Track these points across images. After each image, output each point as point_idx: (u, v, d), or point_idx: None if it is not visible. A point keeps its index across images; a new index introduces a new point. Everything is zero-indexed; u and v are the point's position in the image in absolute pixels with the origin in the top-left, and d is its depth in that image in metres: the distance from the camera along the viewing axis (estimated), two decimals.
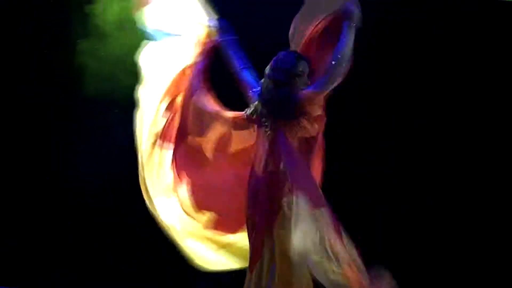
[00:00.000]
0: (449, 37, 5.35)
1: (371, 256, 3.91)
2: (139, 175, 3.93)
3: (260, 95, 3.79)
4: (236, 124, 3.82)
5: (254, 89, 3.85)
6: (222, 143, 3.83)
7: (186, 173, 3.89)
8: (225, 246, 3.90)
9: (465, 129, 5.35)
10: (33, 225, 5.65)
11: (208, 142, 3.83)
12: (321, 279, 3.57)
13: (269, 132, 3.72)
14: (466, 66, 5.32)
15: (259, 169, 3.68)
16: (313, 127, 3.69)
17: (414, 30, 5.35)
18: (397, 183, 5.36)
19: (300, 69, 3.74)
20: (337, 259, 3.56)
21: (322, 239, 3.55)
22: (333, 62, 3.66)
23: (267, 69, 3.80)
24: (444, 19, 5.35)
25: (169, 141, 3.89)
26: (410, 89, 5.36)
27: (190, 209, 3.87)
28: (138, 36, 5.18)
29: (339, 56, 3.65)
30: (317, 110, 3.70)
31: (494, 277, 5.30)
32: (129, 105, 5.13)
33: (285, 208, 3.61)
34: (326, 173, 3.85)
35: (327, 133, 3.82)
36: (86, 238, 5.55)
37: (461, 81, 5.34)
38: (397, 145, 5.39)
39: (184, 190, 3.88)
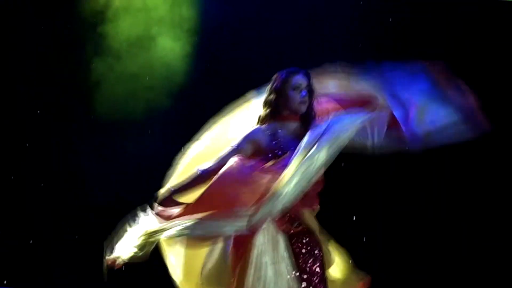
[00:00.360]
0: (449, 37, 5.38)
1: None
2: None
3: None
4: None
5: None
6: None
7: None
8: None
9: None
10: (33, 226, 5.65)
11: None
12: None
13: None
14: (465, 66, 5.17)
15: None
16: None
17: (413, 30, 5.36)
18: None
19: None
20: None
21: None
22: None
23: None
24: (444, 19, 5.37)
25: None
26: None
27: None
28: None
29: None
30: None
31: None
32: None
33: None
34: None
35: None
36: (86, 238, 5.52)
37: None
38: None
39: None
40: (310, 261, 3.39)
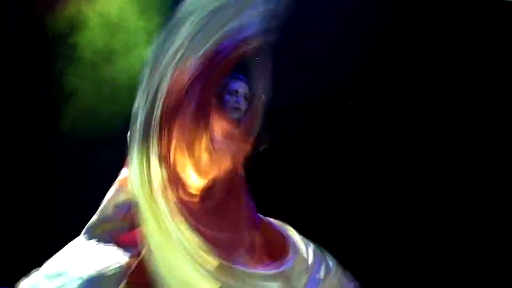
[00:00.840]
0: (449, 37, 5.32)
1: None
2: None
3: None
4: None
5: None
6: None
7: None
8: None
9: (464, 131, 5.36)
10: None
11: None
12: None
13: None
14: (465, 66, 5.31)
15: None
16: None
17: (413, 30, 5.32)
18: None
19: None
20: None
21: None
22: None
23: None
24: (444, 19, 5.31)
25: None
26: (408, 88, 5.34)
27: None
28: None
29: None
30: None
31: None
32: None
33: None
34: None
35: None
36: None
37: (460, 82, 5.33)
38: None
39: None
40: None
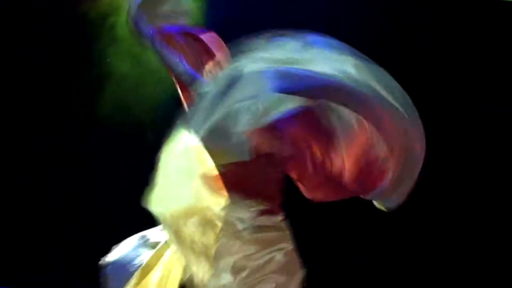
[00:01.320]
0: (449, 37, 5.39)
1: None
2: None
3: None
4: None
5: None
6: None
7: None
8: None
9: (463, 129, 5.40)
10: (36, 225, 5.57)
11: None
12: None
13: None
14: (466, 66, 5.36)
15: None
16: None
17: (413, 30, 5.37)
18: None
19: None
20: None
21: None
22: None
23: None
24: (444, 19, 5.38)
25: None
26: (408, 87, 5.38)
27: None
28: None
29: None
30: None
31: None
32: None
33: None
34: None
35: None
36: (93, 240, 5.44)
37: (460, 82, 5.38)
38: None
39: None
40: None
